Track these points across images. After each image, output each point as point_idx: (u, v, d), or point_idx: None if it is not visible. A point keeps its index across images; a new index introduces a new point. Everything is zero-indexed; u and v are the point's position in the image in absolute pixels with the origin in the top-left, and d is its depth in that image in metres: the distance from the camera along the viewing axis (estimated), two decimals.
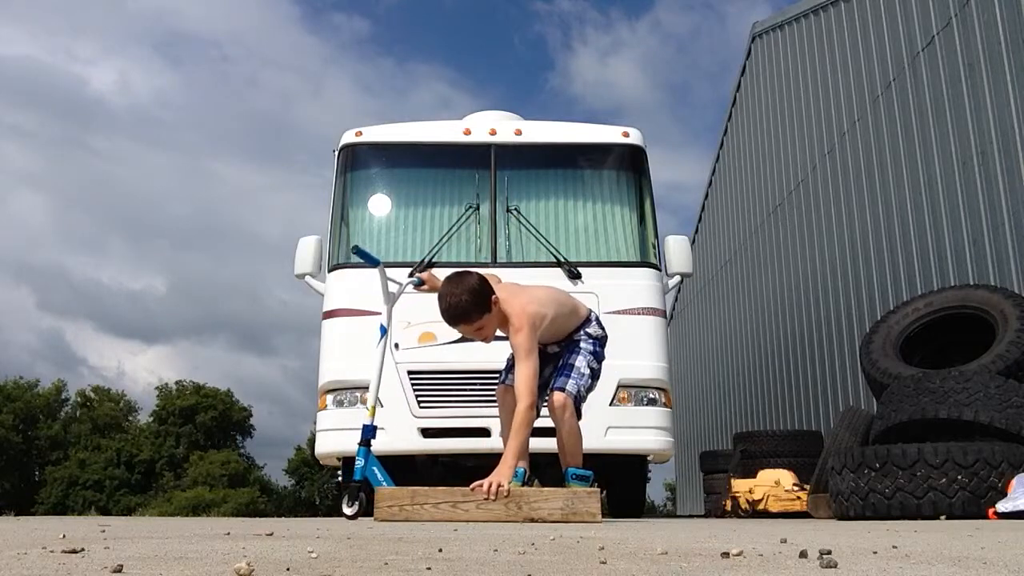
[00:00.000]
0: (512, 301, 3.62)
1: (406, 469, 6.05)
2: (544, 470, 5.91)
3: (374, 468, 3.89)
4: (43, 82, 71.56)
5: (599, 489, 3.60)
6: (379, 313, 5.71)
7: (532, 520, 3.33)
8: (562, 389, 3.69)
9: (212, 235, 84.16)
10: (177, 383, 41.16)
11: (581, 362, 3.75)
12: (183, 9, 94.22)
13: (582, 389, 3.72)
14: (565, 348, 3.85)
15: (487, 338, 3.66)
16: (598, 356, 3.83)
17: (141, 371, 70.54)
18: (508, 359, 3.89)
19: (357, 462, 3.87)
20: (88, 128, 78.38)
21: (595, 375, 3.81)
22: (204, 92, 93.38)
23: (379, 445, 5.55)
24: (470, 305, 3.51)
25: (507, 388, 3.82)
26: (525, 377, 3.48)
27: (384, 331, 4.08)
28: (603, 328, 3.94)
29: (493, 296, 3.57)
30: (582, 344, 3.83)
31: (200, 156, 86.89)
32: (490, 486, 3.34)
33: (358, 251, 4.20)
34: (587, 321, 3.89)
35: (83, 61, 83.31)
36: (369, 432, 3.94)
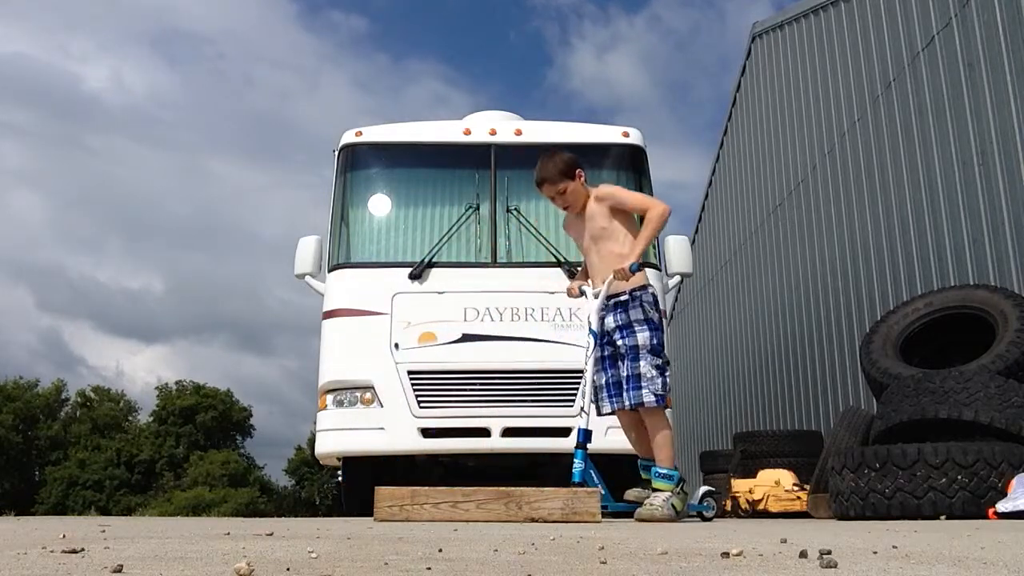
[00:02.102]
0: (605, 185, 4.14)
1: (406, 469, 6.06)
2: (544, 470, 5.93)
3: (591, 471, 3.89)
4: (37, 80, 71.41)
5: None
6: (379, 313, 5.77)
7: (532, 520, 3.33)
8: (641, 404, 3.87)
9: (210, 234, 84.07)
10: (177, 383, 41.20)
11: (644, 367, 3.87)
12: (179, 6, 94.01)
13: (656, 390, 3.86)
14: (622, 333, 3.93)
15: (572, 206, 4.10)
16: (656, 349, 3.91)
17: (140, 371, 70.57)
18: (607, 383, 4.01)
19: (576, 464, 3.84)
20: (84, 126, 78.29)
21: (662, 369, 3.90)
22: (201, 90, 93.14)
23: (379, 445, 5.60)
24: (562, 165, 4.03)
25: (623, 412, 4.01)
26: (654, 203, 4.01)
27: (596, 336, 4.02)
28: (658, 308, 4.03)
29: (579, 171, 4.06)
30: (639, 338, 3.89)
31: (197, 155, 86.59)
32: (621, 269, 3.84)
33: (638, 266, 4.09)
34: (644, 289, 3.97)
35: (78, 59, 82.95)
36: (583, 436, 3.89)
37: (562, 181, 4.02)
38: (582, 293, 4.18)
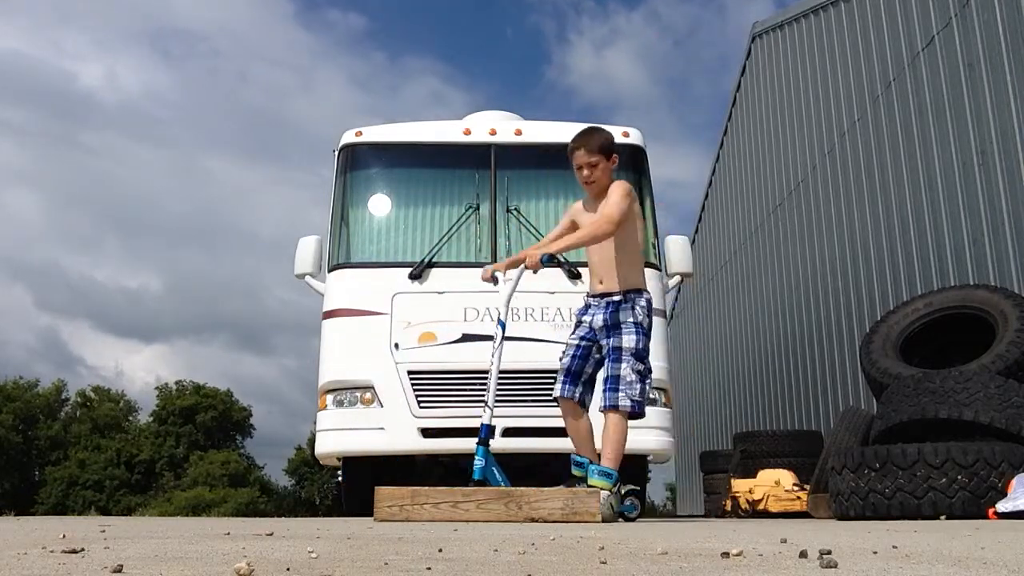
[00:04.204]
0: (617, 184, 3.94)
1: (406, 469, 6.06)
2: (543, 470, 5.93)
3: (493, 468, 3.83)
4: (31, 77, 71.19)
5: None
6: (379, 313, 5.77)
7: (532, 520, 3.33)
8: (615, 408, 3.75)
9: (208, 233, 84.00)
10: (177, 383, 41.19)
11: (625, 370, 3.77)
12: (174, 3, 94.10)
13: (634, 396, 3.76)
14: (609, 333, 3.85)
15: (593, 181, 3.94)
16: (641, 354, 3.82)
17: (138, 371, 70.56)
18: (570, 369, 3.92)
19: (477, 461, 3.77)
20: (79, 124, 78.15)
21: (643, 375, 3.82)
22: (197, 88, 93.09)
23: (379, 445, 5.60)
24: (603, 140, 3.91)
25: (567, 401, 3.92)
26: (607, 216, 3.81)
27: (503, 326, 4.00)
28: (650, 315, 3.93)
29: (615, 156, 3.96)
30: (624, 340, 3.80)
31: (194, 153, 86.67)
32: (526, 257, 3.84)
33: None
34: (639, 293, 3.89)
35: (72, 56, 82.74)
36: (485, 432, 3.85)
37: (598, 154, 3.89)
38: (494, 279, 4.11)
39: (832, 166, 11.46)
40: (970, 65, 7.98)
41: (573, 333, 4.00)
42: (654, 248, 6.19)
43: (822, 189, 11.79)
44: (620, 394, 3.73)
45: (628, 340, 3.80)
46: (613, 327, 3.84)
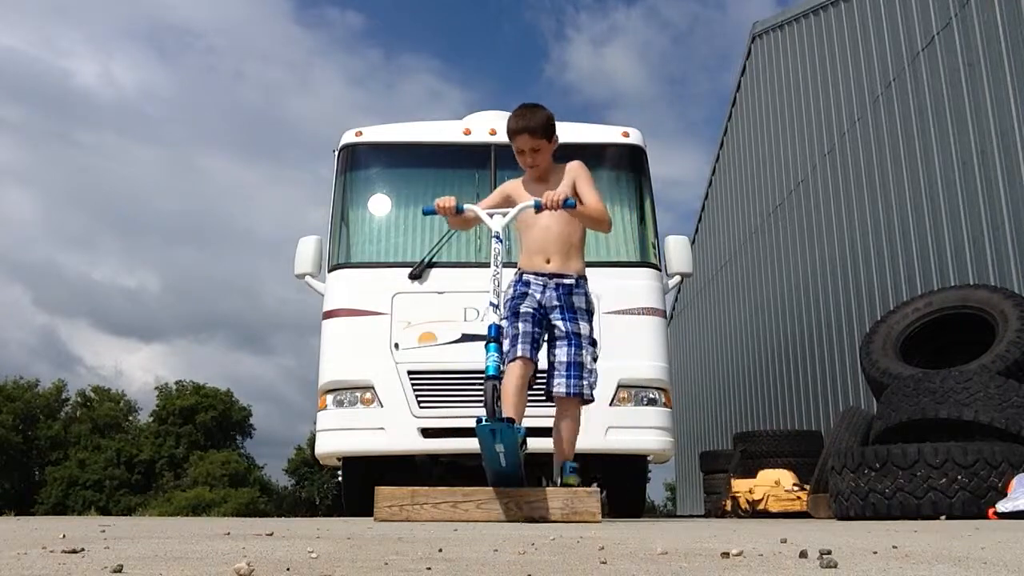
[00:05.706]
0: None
1: (406, 469, 6.06)
2: (544, 470, 5.93)
3: (500, 450, 3.56)
4: (26, 75, 71.23)
5: (599, 489, 3.62)
6: (379, 313, 5.76)
7: (532, 520, 3.33)
8: (580, 395, 3.70)
9: (206, 231, 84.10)
10: (177, 383, 41.24)
11: (586, 358, 3.73)
12: (171, 0, 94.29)
13: (593, 384, 3.74)
14: (564, 315, 3.74)
15: (537, 165, 3.86)
16: (595, 342, 3.80)
17: (136, 370, 70.65)
18: (529, 333, 3.73)
19: (492, 357, 3.50)
20: (75, 122, 78.18)
21: (595, 361, 3.81)
22: (193, 86, 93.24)
23: (379, 445, 5.60)
24: (546, 121, 3.80)
25: (528, 363, 3.68)
26: (601, 211, 3.80)
27: (501, 241, 3.79)
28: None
29: (556, 136, 3.88)
30: (581, 327, 3.74)
31: (190, 151, 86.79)
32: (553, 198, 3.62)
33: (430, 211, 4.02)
34: (585, 280, 3.84)
35: (67, 54, 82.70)
36: (496, 331, 3.58)
37: (542, 138, 3.79)
38: (459, 211, 3.88)
39: (832, 166, 11.46)
40: (970, 65, 7.98)
41: (523, 303, 3.77)
42: (654, 248, 6.19)
43: (822, 189, 11.79)
44: (584, 382, 3.71)
45: (584, 327, 3.76)
46: (569, 310, 3.75)
